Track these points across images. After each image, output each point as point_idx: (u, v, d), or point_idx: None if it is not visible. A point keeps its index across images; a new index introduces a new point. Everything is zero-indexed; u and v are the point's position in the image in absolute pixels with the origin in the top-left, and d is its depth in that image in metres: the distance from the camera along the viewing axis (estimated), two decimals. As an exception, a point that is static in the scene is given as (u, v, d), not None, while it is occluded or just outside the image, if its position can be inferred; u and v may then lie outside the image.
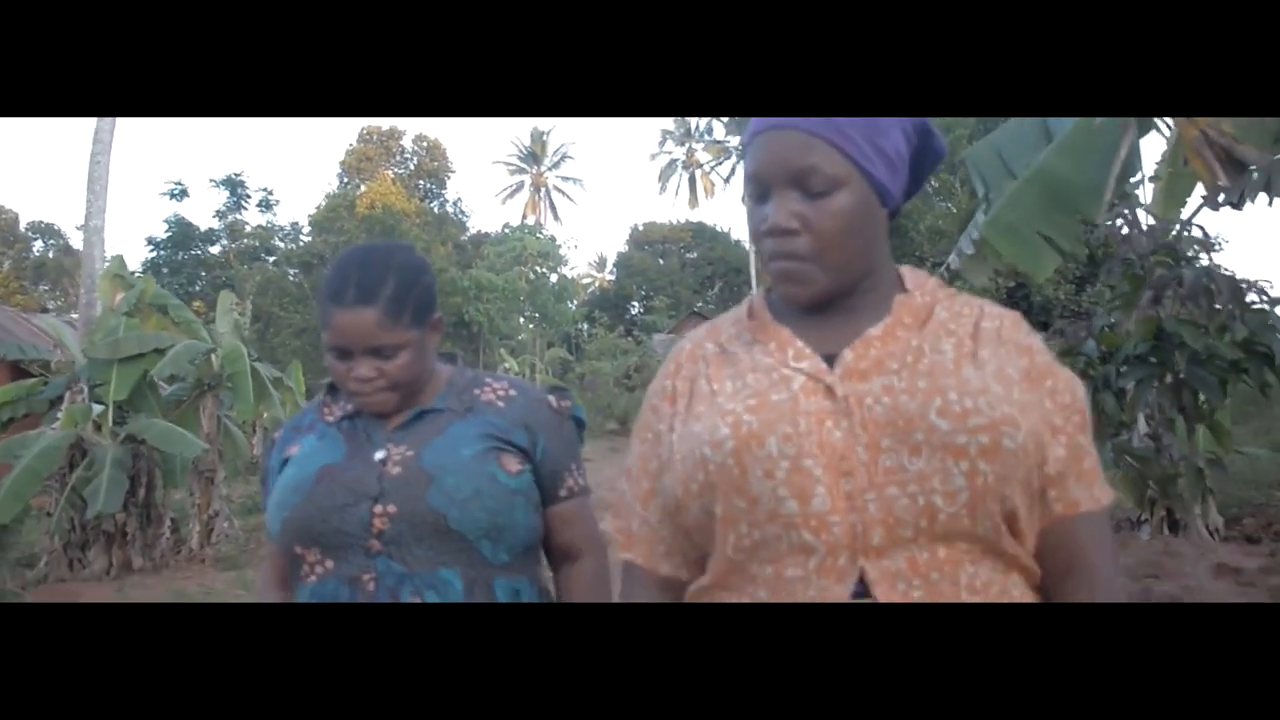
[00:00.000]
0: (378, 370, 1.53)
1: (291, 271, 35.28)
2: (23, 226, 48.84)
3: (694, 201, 56.36)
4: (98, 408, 8.93)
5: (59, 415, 8.94)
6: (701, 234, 57.45)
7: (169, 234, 34.57)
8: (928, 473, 1.07)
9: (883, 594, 1.06)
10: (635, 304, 52.44)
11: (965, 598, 1.07)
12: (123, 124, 15.60)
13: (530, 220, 54.42)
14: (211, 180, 41.74)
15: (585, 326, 44.71)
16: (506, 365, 22.85)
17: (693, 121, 54.08)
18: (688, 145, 55.70)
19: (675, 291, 50.40)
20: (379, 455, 1.55)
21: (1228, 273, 4.15)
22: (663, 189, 60.03)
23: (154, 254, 34.33)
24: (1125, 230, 4.47)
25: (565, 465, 1.64)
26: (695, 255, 56.37)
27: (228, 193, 36.61)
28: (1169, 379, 4.46)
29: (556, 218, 58.94)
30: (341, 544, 1.50)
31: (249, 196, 37.12)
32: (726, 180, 53.28)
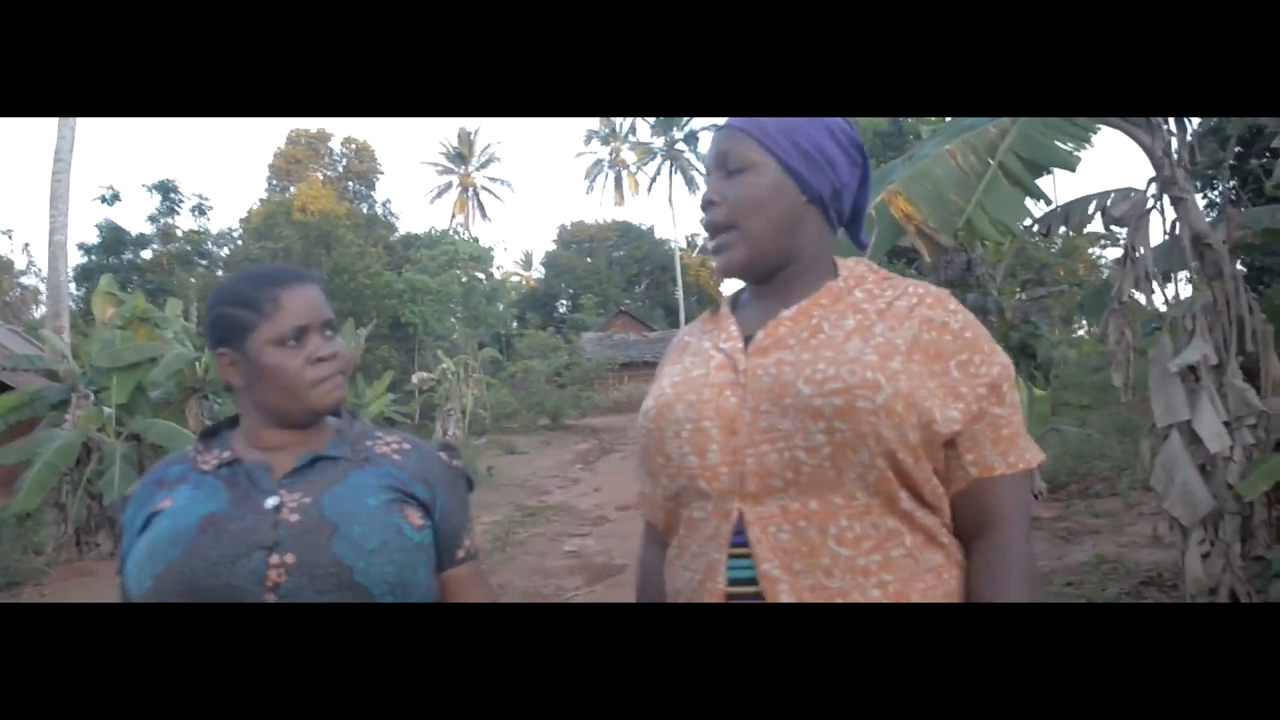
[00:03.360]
0: (333, 350, 1.43)
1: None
2: (-55, 232, 48.34)
3: (620, 200, 57.22)
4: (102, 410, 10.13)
5: (65, 417, 10.11)
6: (628, 233, 58.16)
7: (100, 239, 34.06)
8: (792, 431, 1.20)
9: (755, 535, 1.21)
10: (564, 302, 53.32)
11: (832, 547, 1.19)
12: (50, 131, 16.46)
13: (459, 220, 54.75)
14: (144, 185, 40.59)
15: (515, 325, 45.65)
16: (443, 365, 24.01)
17: (618, 122, 55.05)
18: (613, 145, 56.56)
19: (603, 289, 51.23)
20: (271, 502, 1.37)
21: (999, 299, 5.82)
22: (589, 188, 60.57)
23: (85, 259, 33.56)
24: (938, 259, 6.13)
25: (462, 524, 1.51)
26: (622, 253, 57.15)
27: (160, 197, 36.28)
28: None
29: (485, 217, 59.16)
30: (230, 600, 1.30)
31: (182, 201, 36.75)
32: (652, 180, 54.72)
